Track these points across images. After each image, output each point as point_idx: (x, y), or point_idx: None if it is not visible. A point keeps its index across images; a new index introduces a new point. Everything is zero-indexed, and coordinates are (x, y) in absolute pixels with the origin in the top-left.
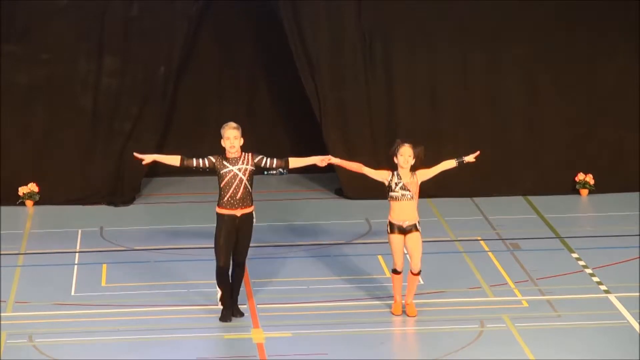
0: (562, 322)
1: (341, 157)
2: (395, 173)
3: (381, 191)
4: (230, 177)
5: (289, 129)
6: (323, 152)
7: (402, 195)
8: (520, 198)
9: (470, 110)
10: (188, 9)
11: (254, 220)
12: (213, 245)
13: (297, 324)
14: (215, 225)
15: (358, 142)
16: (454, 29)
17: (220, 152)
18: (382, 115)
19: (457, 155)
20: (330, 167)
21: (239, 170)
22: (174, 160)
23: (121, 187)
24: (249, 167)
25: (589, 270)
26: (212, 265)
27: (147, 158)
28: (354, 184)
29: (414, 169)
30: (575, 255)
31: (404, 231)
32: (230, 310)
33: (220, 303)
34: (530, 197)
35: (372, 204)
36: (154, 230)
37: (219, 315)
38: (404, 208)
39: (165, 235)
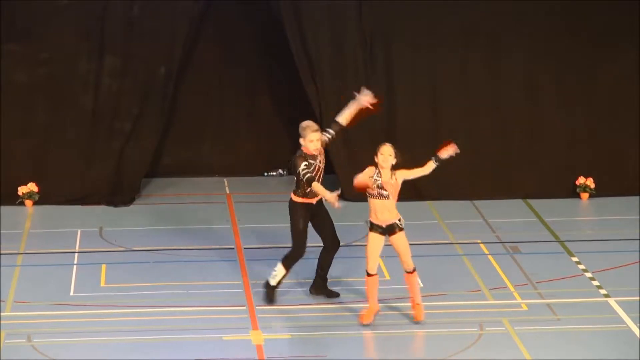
0: (562, 325)
1: (340, 158)
2: (377, 171)
3: None
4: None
5: (289, 130)
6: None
7: (378, 194)
8: (520, 201)
9: (470, 113)
10: (189, 9)
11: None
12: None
13: (296, 326)
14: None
15: (358, 142)
16: (455, 31)
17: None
18: (382, 116)
19: (458, 158)
20: (331, 169)
21: (321, 162)
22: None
23: (121, 187)
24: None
25: (588, 274)
26: (212, 266)
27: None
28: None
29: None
30: (575, 259)
31: (384, 231)
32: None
33: (277, 283)
34: (531, 201)
35: None
36: (154, 231)
37: (265, 294)
38: (380, 207)
39: (165, 236)
